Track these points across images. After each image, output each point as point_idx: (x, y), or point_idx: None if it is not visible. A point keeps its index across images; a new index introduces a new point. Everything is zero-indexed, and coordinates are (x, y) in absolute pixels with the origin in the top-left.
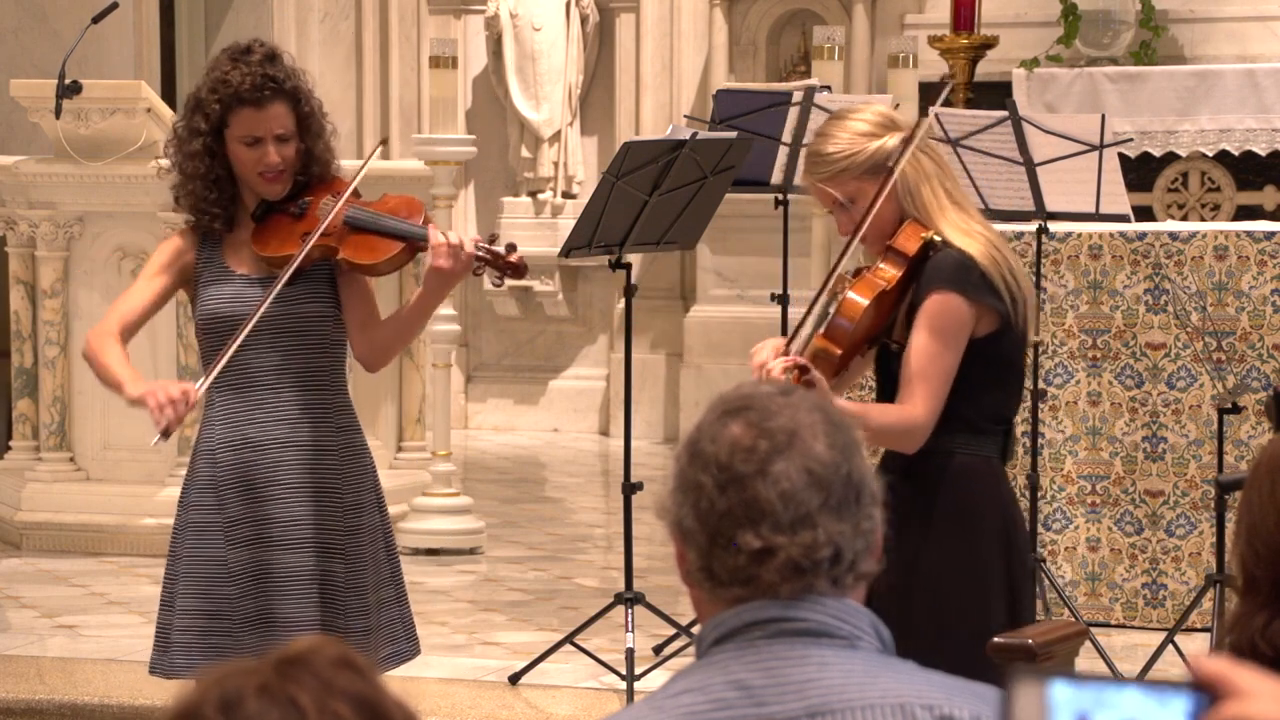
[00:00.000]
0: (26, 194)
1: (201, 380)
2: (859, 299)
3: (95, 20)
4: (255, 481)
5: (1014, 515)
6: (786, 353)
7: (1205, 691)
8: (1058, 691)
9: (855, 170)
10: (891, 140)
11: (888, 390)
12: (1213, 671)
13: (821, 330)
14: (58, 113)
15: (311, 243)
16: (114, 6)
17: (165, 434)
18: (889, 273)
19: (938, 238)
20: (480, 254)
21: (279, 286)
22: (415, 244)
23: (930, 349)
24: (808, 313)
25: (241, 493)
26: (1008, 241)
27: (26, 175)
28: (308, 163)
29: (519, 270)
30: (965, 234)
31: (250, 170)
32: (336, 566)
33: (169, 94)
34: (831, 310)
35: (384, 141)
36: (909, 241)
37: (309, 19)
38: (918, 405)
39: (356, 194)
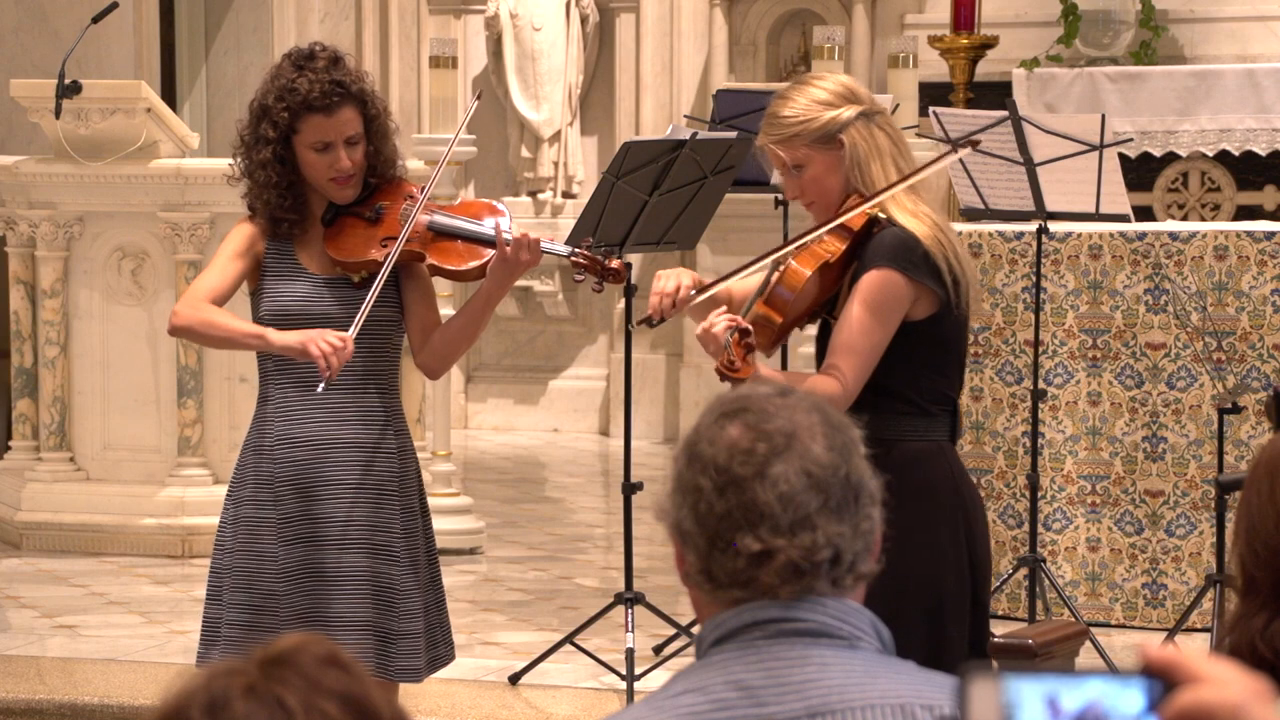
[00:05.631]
0: (26, 194)
1: (352, 328)
2: (802, 269)
3: (95, 20)
4: (313, 480)
5: (969, 495)
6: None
7: (1159, 679)
8: (1017, 685)
9: (806, 137)
10: (847, 112)
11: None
12: (1163, 659)
13: (763, 297)
14: (58, 113)
15: (399, 249)
16: (114, 6)
17: (329, 381)
18: (833, 245)
19: (882, 215)
20: (580, 260)
21: (375, 293)
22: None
23: (863, 323)
24: (737, 271)
25: (298, 491)
26: (1007, 241)
27: (26, 175)
28: (376, 164)
29: (619, 276)
30: (911, 214)
31: (321, 176)
32: (394, 570)
33: (169, 94)
34: (774, 278)
35: (479, 96)
36: (854, 216)
37: (309, 19)
38: (842, 377)
39: (433, 197)
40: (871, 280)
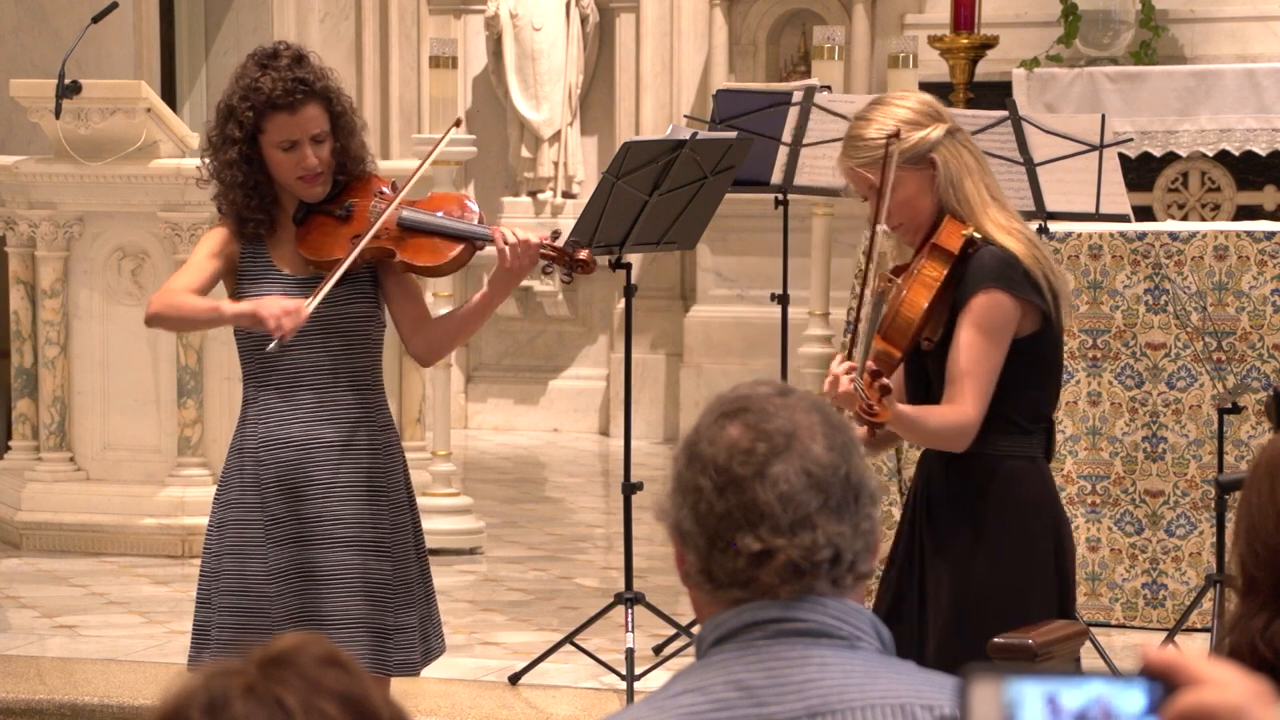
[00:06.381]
0: (26, 194)
1: (310, 301)
2: (918, 300)
3: (95, 20)
4: (299, 481)
5: (1061, 514)
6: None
7: (1159, 681)
8: (1018, 686)
9: (897, 158)
10: (936, 131)
11: (916, 387)
12: (1163, 660)
13: (880, 332)
14: (58, 113)
15: (362, 246)
16: (114, 6)
17: (282, 340)
18: (936, 270)
19: (977, 235)
20: (548, 253)
21: (327, 288)
22: (475, 244)
23: (979, 347)
24: (857, 318)
25: (284, 492)
26: None
27: (26, 175)
28: (344, 162)
29: (588, 267)
30: (1006, 231)
31: (289, 174)
32: (385, 565)
33: (169, 94)
34: (886, 313)
35: (458, 123)
36: (951, 238)
37: (309, 19)
38: (969, 404)
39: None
40: (981, 303)
